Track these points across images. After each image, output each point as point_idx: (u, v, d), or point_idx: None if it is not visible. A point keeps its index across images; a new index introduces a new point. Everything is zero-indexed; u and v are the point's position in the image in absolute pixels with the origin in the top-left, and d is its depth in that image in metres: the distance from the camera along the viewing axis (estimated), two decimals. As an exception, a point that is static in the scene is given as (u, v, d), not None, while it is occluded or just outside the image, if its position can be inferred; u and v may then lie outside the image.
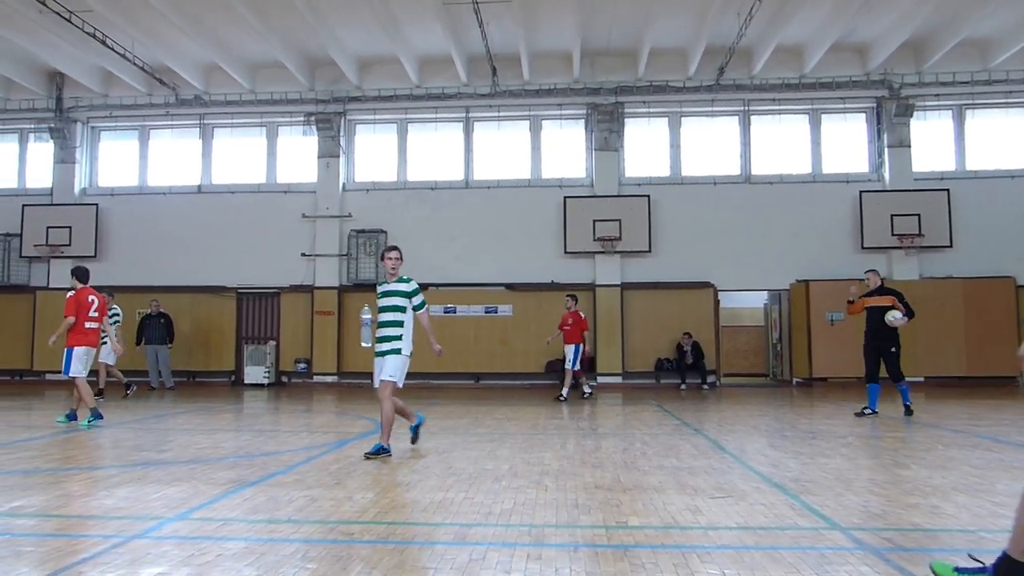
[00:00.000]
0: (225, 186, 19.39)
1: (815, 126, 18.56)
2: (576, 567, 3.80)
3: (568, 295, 14.54)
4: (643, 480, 6.07)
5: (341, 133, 19.02)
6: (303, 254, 18.81)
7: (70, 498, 5.39)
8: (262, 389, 17.34)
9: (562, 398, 13.85)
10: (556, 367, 17.97)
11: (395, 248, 7.48)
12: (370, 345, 7.42)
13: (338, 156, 18.96)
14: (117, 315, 14.14)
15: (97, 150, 20.06)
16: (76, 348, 9.82)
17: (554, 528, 4.56)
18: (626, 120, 18.55)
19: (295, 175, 19.37)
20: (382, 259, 7.46)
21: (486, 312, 18.27)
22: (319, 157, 19.00)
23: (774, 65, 17.82)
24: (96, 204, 19.26)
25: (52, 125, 19.30)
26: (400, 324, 7.23)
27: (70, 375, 9.83)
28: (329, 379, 18.40)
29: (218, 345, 18.74)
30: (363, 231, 18.75)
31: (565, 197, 18.25)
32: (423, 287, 18.43)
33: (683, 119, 18.84)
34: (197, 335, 18.72)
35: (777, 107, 18.48)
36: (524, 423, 10.36)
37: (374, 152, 19.49)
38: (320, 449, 7.83)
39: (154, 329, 17.06)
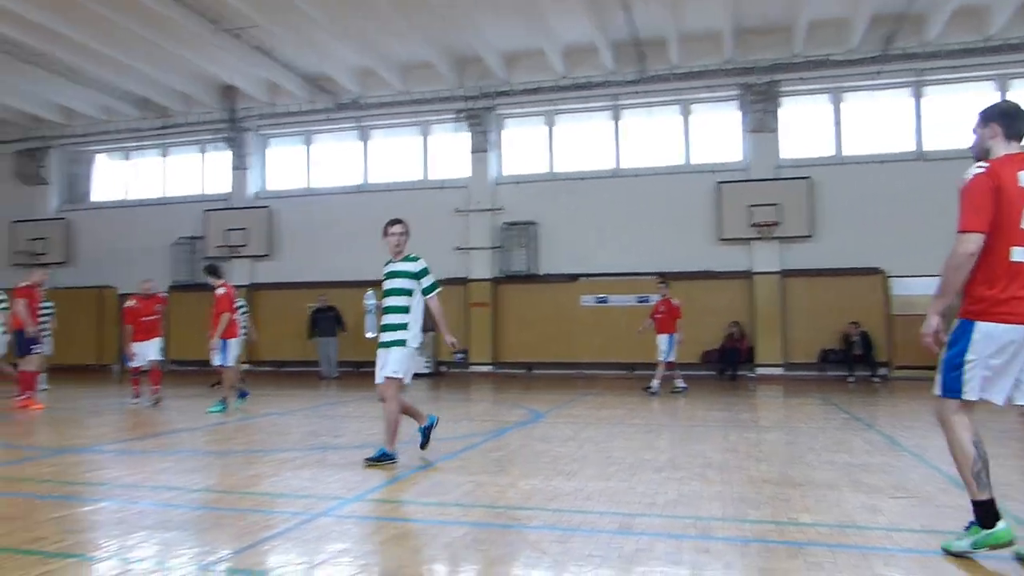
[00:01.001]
0: (383, 184, 20.28)
1: (1003, 93, 17.03)
2: (747, 562, 3.75)
3: (659, 281, 13.79)
4: (813, 476, 5.87)
5: (490, 128, 19.43)
6: (457, 248, 19.39)
7: (261, 478, 5.88)
8: (422, 378, 18.02)
9: (651, 390, 13.03)
10: (711, 357, 17.59)
11: (398, 221, 6.49)
12: (376, 335, 6.52)
13: (488, 150, 19.38)
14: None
15: (267, 156, 21.55)
16: (231, 340, 10.74)
17: (721, 521, 4.51)
18: (782, 99, 17.81)
19: (448, 171, 19.98)
20: (384, 234, 6.45)
21: (638, 302, 18.11)
22: (471, 152, 19.49)
23: (952, 29, 16.49)
24: (268, 206, 20.71)
25: (227, 135, 20.92)
26: (406, 310, 6.25)
27: (226, 364, 10.68)
28: (485, 369, 18.89)
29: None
30: (514, 223, 19.08)
31: (718, 182, 17.79)
32: (572, 277, 18.76)
33: (845, 95, 17.86)
34: (361, 328, 19.67)
35: (955, 75, 17.11)
36: (681, 414, 10.25)
37: (523, 145, 19.79)
38: (481, 436, 8.09)
39: (325, 322, 18.21)
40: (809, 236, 17.27)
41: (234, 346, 10.80)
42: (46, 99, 20.66)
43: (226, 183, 21.43)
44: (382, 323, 6.35)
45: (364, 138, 20.74)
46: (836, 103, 17.88)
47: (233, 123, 20.87)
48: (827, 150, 17.80)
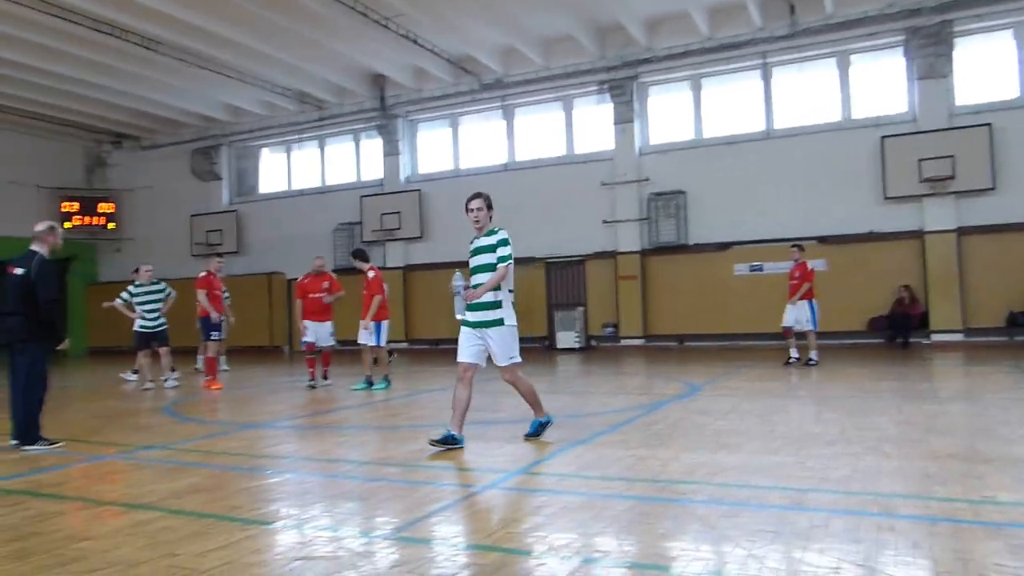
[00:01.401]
0: (528, 162, 20.43)
1: None
2: (937, 542, 3.52)
3: (793, 245, 13.04)
4: (1009, 451, 5.41)
5: (634, 97, 19.08)
6: (604, 221, 19.28)
7: (427, 452, 6.11)
8: (574, 353, 18.16)
9: (811, 361, 12.30)
10: (880, 325, 16.60)
11: (478, 195, 6.24)
12: (463, 316, 6.28)
13: (632, 121, 19.07)
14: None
15: (416, 141, 22.23)
16: (384, 322, 11.01)
17: (903, 499, 4.26)
18: (955, 40, 16.35)
19: (592, 144, 19.84)
20: (465, 211, 6.27)
21: (797, 269, 17.34)
22: (614, 124, 19.25)
23: None
24: (419, 189, 21.38)
25: (378, 123, 21.72)
26: (496, 288, 6.09)
27: (379, 344, 11.03)
28: (636, 342, 18.75)
29: (532, 312, 19.87)
30: (661, 194, 18.72)
31: (882, 136, 16.65)
32: (724, 246, 18.19)
33: (1029, 30, 16.20)
34: (519, 305, 20.04)
35: None
36: (848, 385, 9.74)
37: (668, 112, 19.31)
38: (638, 410, 8.04)
39: None
40: (991, 188, 15.87)
41: (385, 327, 11.11)
42: (216, 100, 22.21)
43: (379, 169, 22.28)
44: (472, 302, 6.17)
45: (508, 117, 20.93)
46: (1021, 38, 16.22)
47: (383, 111, 21.63)
48: (1010, 92, 16.22)
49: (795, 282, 12.46)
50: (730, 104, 18.63)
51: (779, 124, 18.04)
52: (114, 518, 4.32)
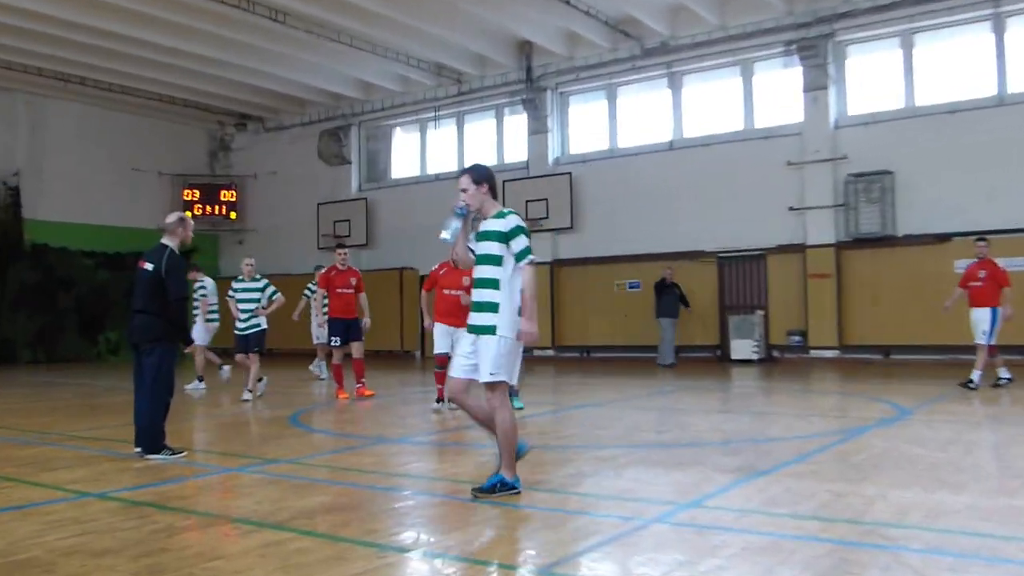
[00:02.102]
0: (698, 139, 20.12)
1: None
2: None
3: (978, 239, 12.10)
4: None
5: (829, 59, 18.37)
6: (790, 208, 18.70)
7: (582, 477, 6.17)
8: (751, 365, 17.73)
9: (971, 384, 11.37)
10: None
11: (468, 170, 5.69)
12: (449, 238, 5.64)
13: (827, 88, 18.38)
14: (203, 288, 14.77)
15: (567, 116, 22.39)
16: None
17: None
18: None
19: (775, 117, 19.29)
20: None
21: (1038, 266, 16.16)
22: (804, 92, 18.62)
23: None
24: (569, 173, 21.53)
25: (524, 96, 22.03)
26: (495, 285, 5.45)
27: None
28: (828, 354, 18.07)
29: (700, 316, 19.55)
30: (862, 175, 17.93)
31: None
32: (943, 237, 17.29)
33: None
34: (695, 306, 19.70)
35: None
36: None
37: (872, 77, 18.48)
38: (834, 436, 7.80)
39: (668, 300, 18.32)
40: None
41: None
42: (346, 75, 23.25)
43: (524, 150, 22.59)
44: (473, 299, 5.60)
45: (675, 86, 20.70)
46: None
47: (530, 83, 21.91)
48: None
49: (979, 285, 11.75)
50: (952, 64, 17.58)
51: (1014, 87, 16.86)
52: (245, 537, 4.62)
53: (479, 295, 5.52)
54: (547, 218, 21.46)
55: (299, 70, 22.30)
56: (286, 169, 26.58)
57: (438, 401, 10.43)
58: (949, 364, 16.20)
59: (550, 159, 22.07)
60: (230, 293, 12.68)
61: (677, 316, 18.42)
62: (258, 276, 12.57)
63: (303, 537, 4.52)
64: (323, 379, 15.01)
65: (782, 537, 4.42)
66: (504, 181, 22.21)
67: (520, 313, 5.41)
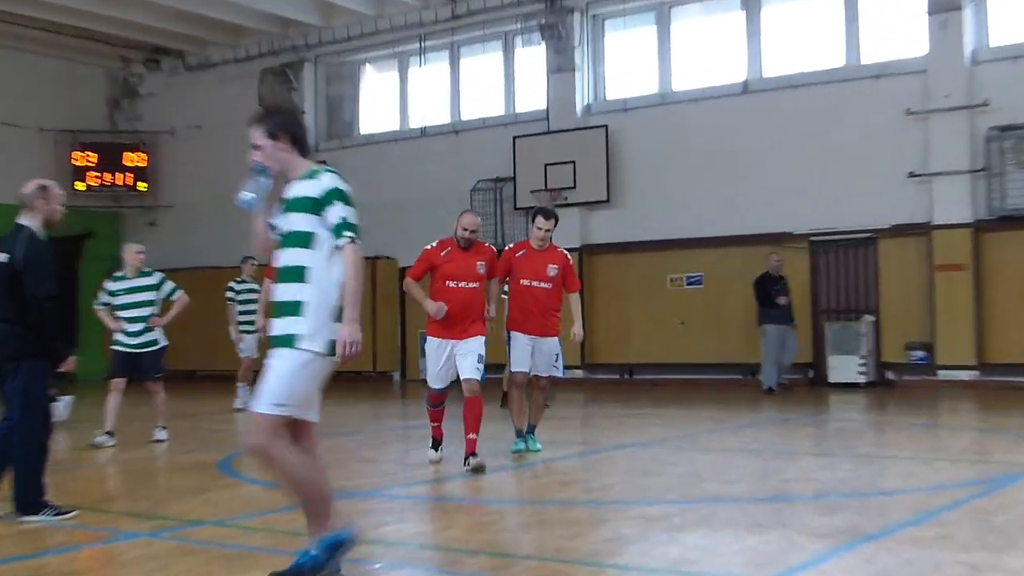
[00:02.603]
0: (783, 78, 20.03)
1: None
2: None
3: None
4: None
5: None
6: (911, 174, 18.67)
7: (623, 542, 6.16)
8: (857, 390, 17.67)
9: None
10: None
11: (262, 117, 5.45)
12: (250, 202, 5.40)
13: (961, 8, 18.28)
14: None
15: (603, 49, 22.41)
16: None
17: None
18: None
19: (892, 50, 19.28)
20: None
21: None
22: (928, 15, 18.54)
23: None
24: (605, 125, 21.50)
25: (543, 21, 21.95)
26: (300, 276, 5.12)
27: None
28: (965, 375, 18.01)
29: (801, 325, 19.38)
30: (1010, 127, 17.90)
31: None
32: None
33: None
34: (750, 313, 19.67)
35: None
36: None
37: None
38: (969, 488, 7.83)
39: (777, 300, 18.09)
40: None
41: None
42: (300, -3, 23.24)
43: (542, 96, 22.57)
44: (275, 297, 5.30)
45: (751, 7, 20.64)
46: None
47: (551, 3, 21.84)
48: None
49: None
50: None
51: None
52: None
53: (280, 291, 5.20)
54: (574, 188, 21.45)
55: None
56: (214, 122, 26.36)
57: (432, 447, 9.81)
58: None
59: (579, 107, 22.05)
60: (102, 298, 12.26)
61: (791, 323, 18.25)
62: (148, 270, 12.18)
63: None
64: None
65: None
66: (515, 138, 22.23)
67: (339, 317, 5.07)
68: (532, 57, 22.95)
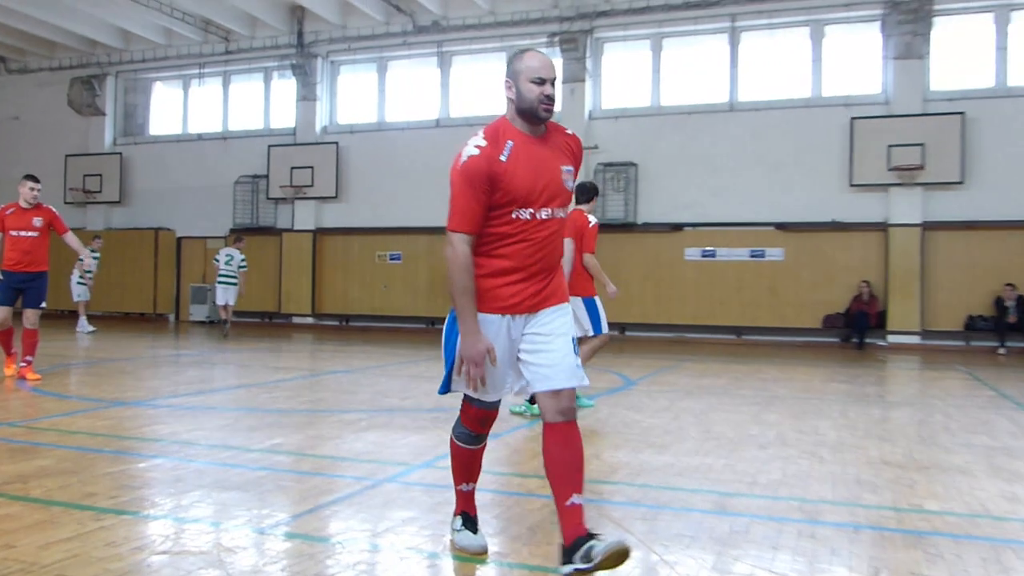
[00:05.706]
0: (463, 119, 20.26)
1: None
2: (856, 550, 3.75)
3: None
4: (944, 459, 5.76)
5: (587, 54, 19.17)
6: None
7: (323, 440, 6.15)
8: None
9: None
10: (836, 323, 17.18)
11: None
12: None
13: (584, 80, 19.14)
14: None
15: (336, 86, 21.94)
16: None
17: (831, 505, 4.50)
18: (935, 19, 16.93)
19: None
20: None
21: (751, 256, 17.83)
22: (563, 83, 19.29)
23: None
24: (336, 142, 21.13)
25: (294, 62, 21.31)
26: None
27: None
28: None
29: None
30: (611, 164, 18.89)
31: (852, 118, 17.16)
32: (676, 227, 18.54)
33: (1014, 13, 16.85)
34: (436, 282, 19.96)
35: None
36: (795, 385, 10.12)
37: (624, 74, 19.47)
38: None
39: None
40: (960, 183, 16.55)
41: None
42: (104, 21, 21.48)
43: (291, 116, 21.92)
44: None
45: (444, 65, 20.80)
46: (1002, 23, 16.88)
47: (301, 48, 21.26)
48: (985, 81, 16.90)
49: None
50: (693, 70, 18.92)
51: (744, 96, 18.38)
52: (-53, 500, 4.23)
53: None
54: (312, 186, 21.02)
55: (49, 9, 20.24)
56: (30, 115, 24.27)
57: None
58: (674, 341, 17.60)
59: (318, 127, 21.57)
60: None
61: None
62: None
63: (12, 503, 4.21)
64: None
65: (504, 494, 4.63)
66: (269, 146, 21.54)
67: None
68: (285, 87, 22.19)
